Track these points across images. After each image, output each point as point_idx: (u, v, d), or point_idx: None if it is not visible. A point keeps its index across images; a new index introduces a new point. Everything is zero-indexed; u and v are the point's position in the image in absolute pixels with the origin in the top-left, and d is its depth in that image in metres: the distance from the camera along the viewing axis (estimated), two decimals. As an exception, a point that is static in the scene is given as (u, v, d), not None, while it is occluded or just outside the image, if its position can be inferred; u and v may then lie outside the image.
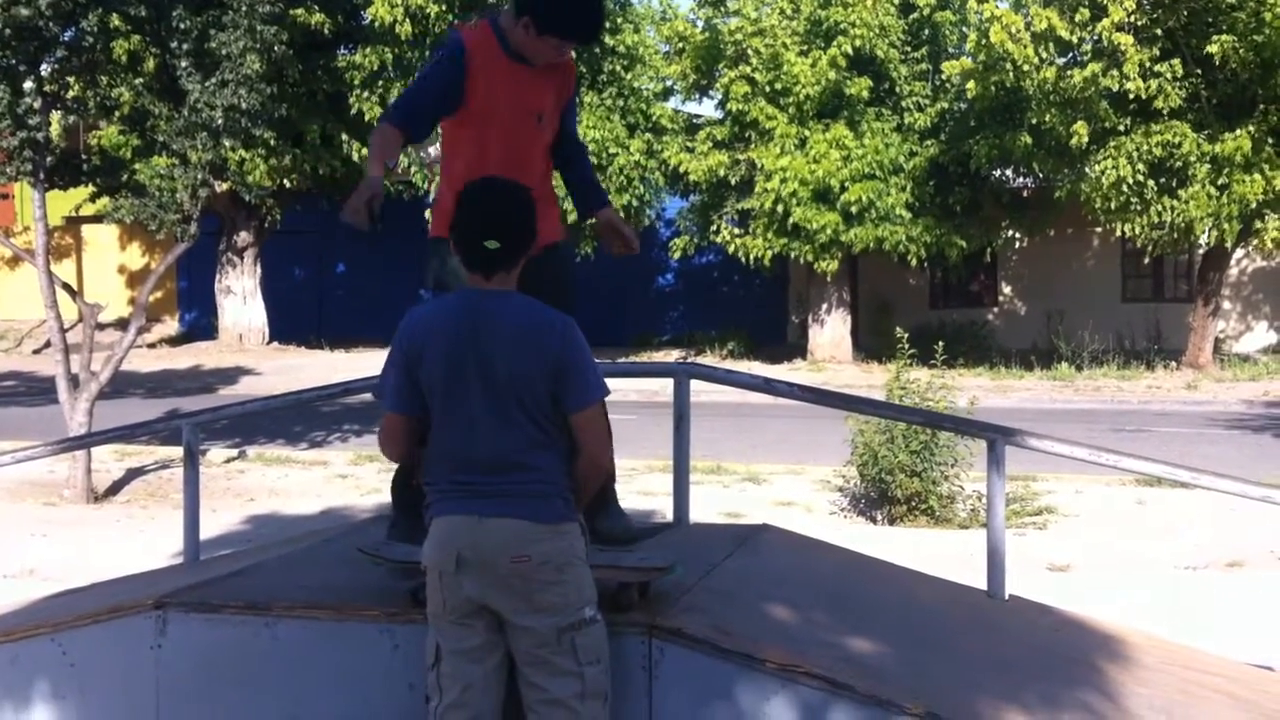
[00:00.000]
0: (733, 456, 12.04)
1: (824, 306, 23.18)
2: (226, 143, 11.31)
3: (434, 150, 24.83)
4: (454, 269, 3.60)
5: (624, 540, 4.02)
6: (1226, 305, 23.37)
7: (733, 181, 21.56)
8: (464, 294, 3.33)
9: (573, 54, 4.04)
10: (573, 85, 4.06)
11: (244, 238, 25.36)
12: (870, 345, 23.01)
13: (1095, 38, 18.43)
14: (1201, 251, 21.20)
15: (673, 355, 23.98)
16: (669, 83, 22.98)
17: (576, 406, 3.23)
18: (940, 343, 11.79)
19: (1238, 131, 18.04)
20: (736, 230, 21.82)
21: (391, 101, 4.21)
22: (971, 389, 14.53)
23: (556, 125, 4.03)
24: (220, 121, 11.04)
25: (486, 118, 3.86)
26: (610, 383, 3.38)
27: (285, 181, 22.69)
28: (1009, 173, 22.22)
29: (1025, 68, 18.42)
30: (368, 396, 5.79)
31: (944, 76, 20.88)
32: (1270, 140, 18.35)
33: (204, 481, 11.50)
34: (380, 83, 21.95)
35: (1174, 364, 20.63)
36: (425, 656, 3.31)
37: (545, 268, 3.86)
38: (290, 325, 26.54)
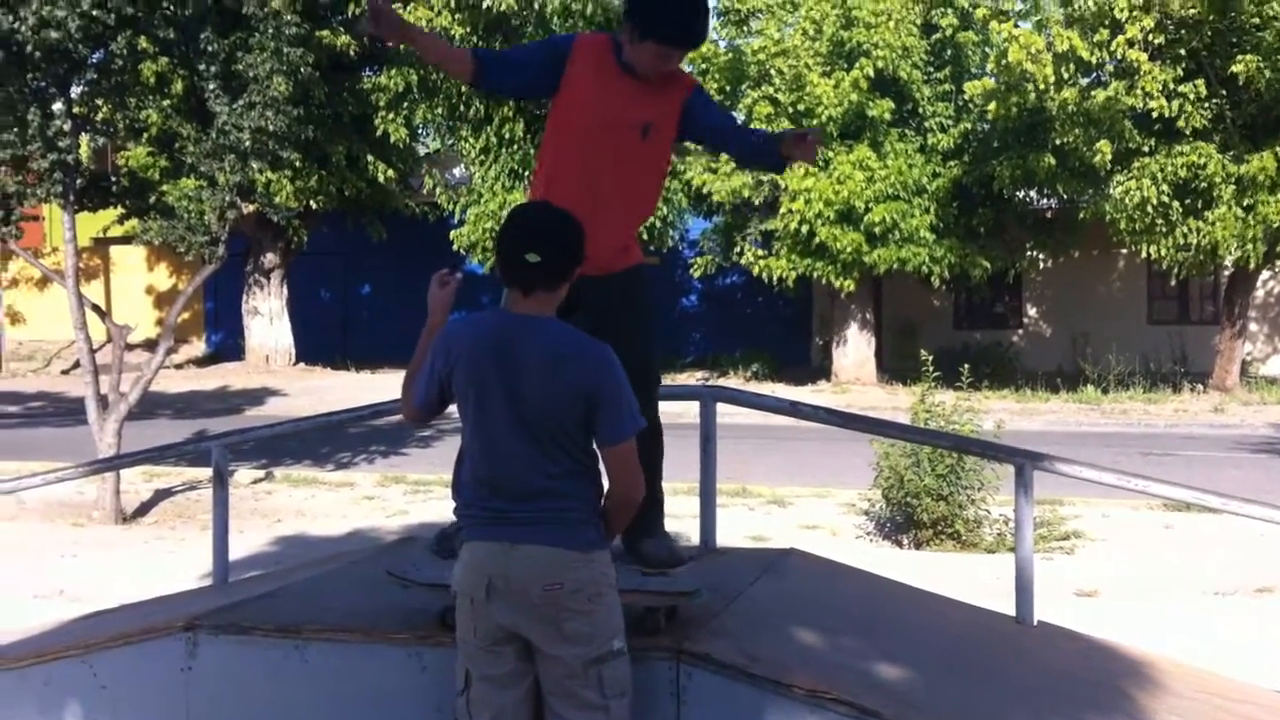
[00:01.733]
0: (758, 479, 12.02)
1: (847, 328, 23.16)
2: (254, 164, 11.41)
3: (459, 172, 25.00)
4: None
5: (669, 564, 4.02)
6: (1253, 327, 23.23)
7: (756, 202, 21.60)
8: (499, 315, 3.31)
9: (690, 78, 4.02)
10: (689, 92, 3.97)
11: (270, 259, 25.53)
12: (894, 367, 22.97)
13: (1117, 59, 18.41)
14: (1227, 273, 21.08)
15: (696, 377, 23.98)
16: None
17: (609, 440, 3.20)
18: (965, 365, 11.75)
19: (1263, 153, 17.97)
20: (760, 251, 21.84)
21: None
22: (997, 412, 14.47)
23: (672, 135, 3.98)
24: (248, 143, 11.15)
25: (585, 119, 3.84)
26: None
27: (311, 203, 22.85)
28: (1033, 194, 22.17)
29: (1045, 88, 18.39)
30: (395, 418, 5.81)
31: (966, 97, 20.88)
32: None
33: (231, 502, 11.55)
34: (405, 104, 22.12)
35: (1200, 387, 20.50)
36: (455, 681, 3.30)
37: (624, 290, 3.94)
38: (316, 346, 26.70)
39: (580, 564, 3.16)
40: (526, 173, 21.57)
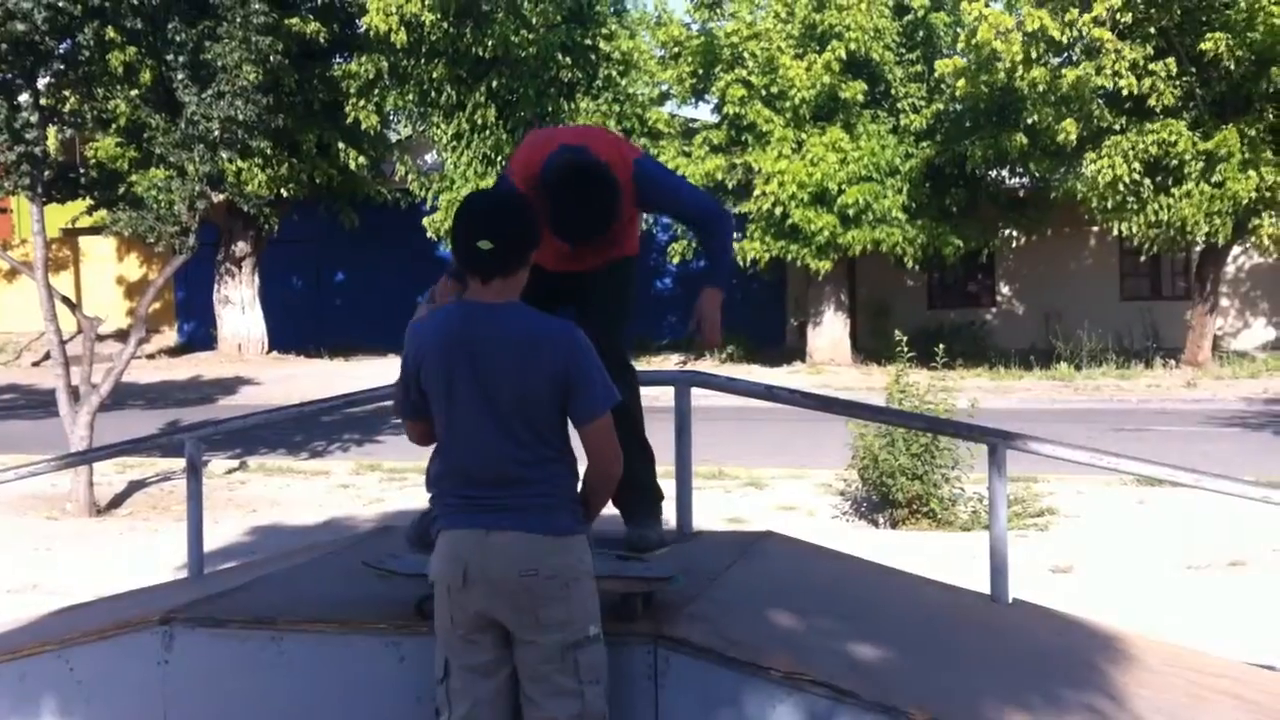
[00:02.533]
0: (734, 461, 12.05)
1: (822, 309, 23.21)
2: (224, 154, 11.32)
3: (431, 158, 24.89)
4: None
5: (649, 549, 4.03)
6: (1225, 302, 23.40)
7: (730, 185, 21.59)
8: (463, 305, 3.29)
9: (631, 153, 3.99)
10: (631, 180, 3.89)
11: (242, 247, 25.37)
12: (869, 347, 23.03)
13: (1086, 37, 18.46)
14: (1199, 249, 21.22)
15: (671, 360, 23.99)
16: (665, 87, 23.01)
17: (585, 418, 3.19)
18: (939, 344, 11.79)
19: (1227, 128, 18.06)
20: (735, 234, 21.79)
21: None
22: (971, 390, 14.54)
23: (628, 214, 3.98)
24: (217, 133, 11.06)
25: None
26: None
27: (282, 191, 22.71)
28: (1005, 173, 22.26)
29: (1014, 67, 18.44)
30: (370, 406, 5.79)
31: (937, 76, 20.92)
32: (1268, 138, 18.37)
33: (205, 492, 11.47)
34: (376, 91, 21.99)
35: (1173, 362, 20.65)
36: (435, 670, 3.30)
37: (608, 280, 4.01)
38: (289, 334, 26.56)
39: (556, 550, 3.16)
40: (499, 158, 21.50)
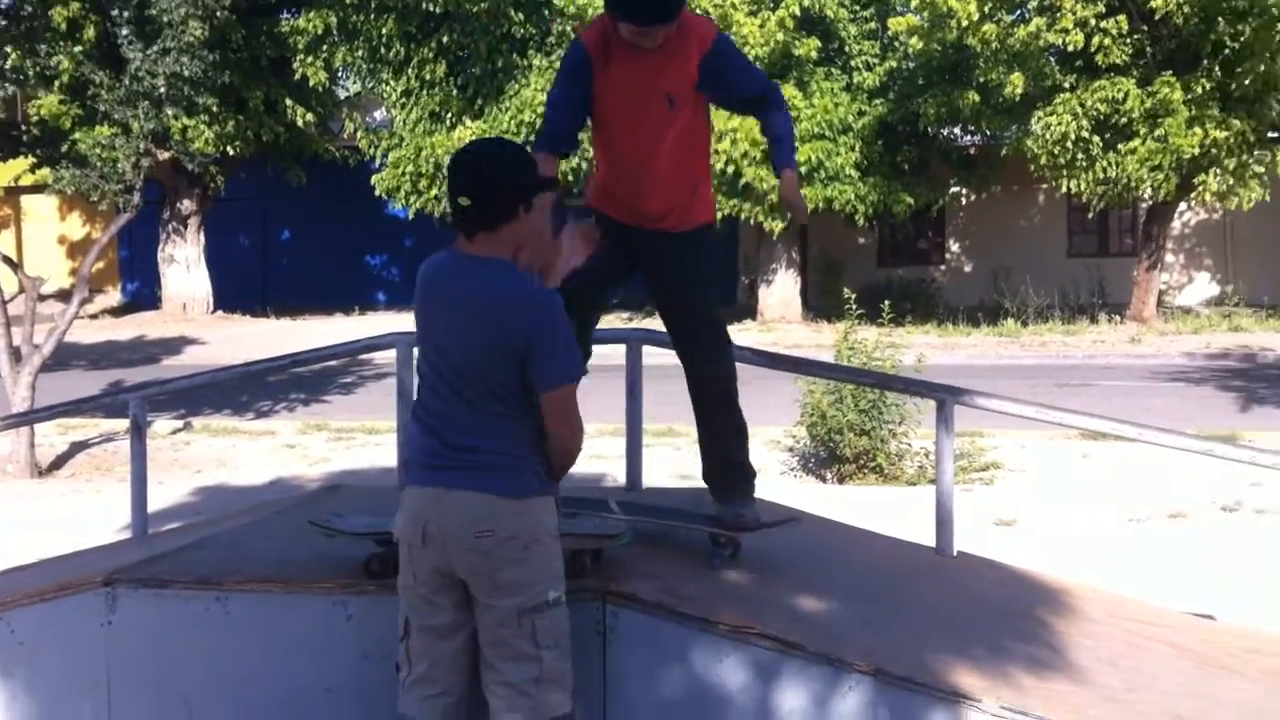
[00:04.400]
0: (684, 419, 11.97)
1: (773, 267, 23.25)
2: (169, 111, 11.17)
3: (379, 115, 24.59)
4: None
5: (747, 529, 4.06)
6: (1170, 259, 23.67)
7: (682, 143, 21.47)
8: (451, 254, 3.25)
9: (710, 30, 3.95)
10: (704, 53, 3.86)
11: (187, 206, 24.97)
12: (819, 305, 23.11)
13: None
14: (1145, 206, 21.43)
15: (623, 318, 23.97)
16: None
17: (541, 387, 3.14)
18: (887, 301, 11.86)
19: (1171, 80, 18.17)
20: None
21: (538, 129, 4.25)
22: (919, 346, 14.64)
23: (695, 104, 3.92)
24: (162, 89, 10.91)
25: (619, 109, 3.88)
26: None
27: (229, 148, 22.37)
28: (957, 131, 22.31)
29: (968, 24, 18.47)
30: (317, 366, 5.74)
31: (890, 33, 20.89)
32: (1214, 95, 18.52)
33: (150, 453, 11.33)
34: (324, 47, 21.65)
35: (1118, 318, 20.90)
36: (398, 627, 3.28)
37: (670, 251, 3.98)
38: (235, 293, 26.24)
39: (513, 511, 3.13)
40: (449, 114, 21.27)
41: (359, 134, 22.65)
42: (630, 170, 3.95)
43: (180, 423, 13.03)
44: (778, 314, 22.93)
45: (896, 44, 21.21)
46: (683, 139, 3.92)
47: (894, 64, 21.42)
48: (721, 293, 25.89)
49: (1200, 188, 19.23)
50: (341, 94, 25.30)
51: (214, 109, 19.71)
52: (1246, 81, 18.09)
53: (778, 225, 21.17)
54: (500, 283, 3.15)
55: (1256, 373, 15.90)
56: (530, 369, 3.12)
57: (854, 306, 10.42)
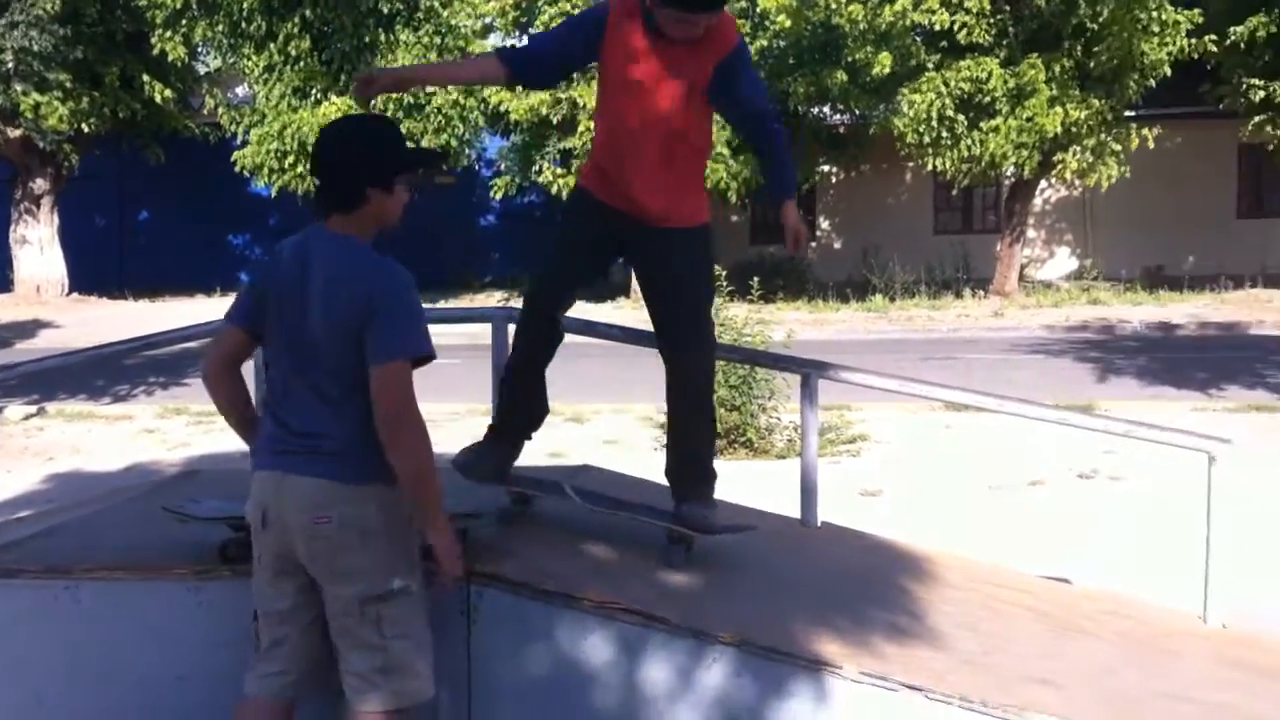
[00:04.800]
0: (556, 397, 11.88)
1: (647, 245, 23.27)
2: (18, 87, 10.69)
3: (241, 91, 23.94)
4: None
5: (709, 532, 4.00)
6: (1031, 234, 24.38)
7: (554, 120, 21.37)
8: (309, 231, 3.18)
9: (733, 34, 3.87)
10: (725, 55, 3.80)
11: (40, 185, 24.01)
12: (693, 282, 23.23)
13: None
14: (1008, 184, 22.02)
15: (495, 297, 23.82)
16: (488, 20, 22.58)
17: (374, 357, 2.98)
18: (757, 278, 11.97)
19: (1034, 59, 18.68)
20: (559, 170, 21.66)
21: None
22: (790, 322, 14.85)
23: (702, 103, 3.85)
24: (11, 65, 10.44)
25: (624, 87, 3.79)
26: (431, 328, 3.11)
27: (83, 125, 21.58)
28: (826, 110, 22.62)
29: (836, 5, 18.72)
30: (174, 348, 5.57)
31: (760, 11, 21.04)
32: (1074, 74, 19.08)
33: (0, 440, 10.93)
34: (184, 21, 20.96)
35: (982, 293, 21.47)
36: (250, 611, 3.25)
37: (662, 250, 3.90)
38: (91, 275, 25.31)
39: (350, 498, 3.04)
40: (313, 90, 20.81)
41: (220, 110, 22.02)
42: (627, 149, 3.85)
43: (33, 408, 12.53)
44: (651, 291, 22.98)
45: (767, 23, 21.37)
46: (684, 137, 3.88)
47: (764, 43, 21.58)
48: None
49: (1061, 166, 19.84)
50: (201, 69, 24.57)
51: (67, 85, 19.02)
52: (1105, 59, 18.70)
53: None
54: (358, 257, 3.08)
55: (1113, 344, 16.51)
56: (368, 339, 2.98)
57: (724, 284, 10.48)
